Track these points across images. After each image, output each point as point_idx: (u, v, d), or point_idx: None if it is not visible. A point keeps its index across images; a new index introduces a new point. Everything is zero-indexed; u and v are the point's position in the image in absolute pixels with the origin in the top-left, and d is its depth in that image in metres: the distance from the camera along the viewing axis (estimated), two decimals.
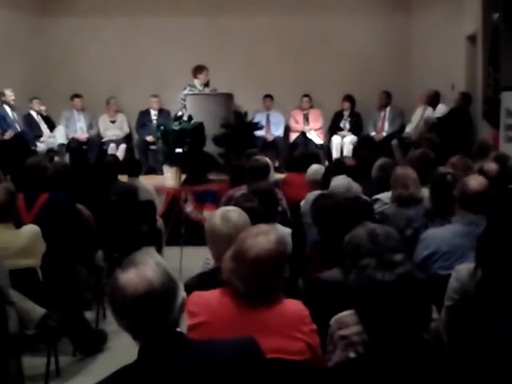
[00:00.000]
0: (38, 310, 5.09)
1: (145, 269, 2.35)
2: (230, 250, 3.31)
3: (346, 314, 3.15)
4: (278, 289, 3.27)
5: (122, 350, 5.41)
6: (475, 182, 4.79)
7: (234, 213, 4.03)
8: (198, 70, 12.07)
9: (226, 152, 10.82)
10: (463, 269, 3.82)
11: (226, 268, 3.27)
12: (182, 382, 2.32)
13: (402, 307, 2.28)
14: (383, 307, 2.28)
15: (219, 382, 2.35)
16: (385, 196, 6.27)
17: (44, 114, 12.97)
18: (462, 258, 4.42)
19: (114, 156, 9.74)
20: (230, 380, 2.37)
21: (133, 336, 2.39)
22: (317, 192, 6.29)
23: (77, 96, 13.39)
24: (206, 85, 11.98)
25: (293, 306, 3.28)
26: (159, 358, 2.33)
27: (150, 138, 12.88)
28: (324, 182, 6.77)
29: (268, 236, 3.24)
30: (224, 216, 3.96)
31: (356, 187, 6.30)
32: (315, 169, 7.53)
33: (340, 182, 6.31)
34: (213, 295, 3.27)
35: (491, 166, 6.41)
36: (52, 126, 13.01)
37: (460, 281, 3.77)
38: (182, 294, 2.44)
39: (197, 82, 12.03)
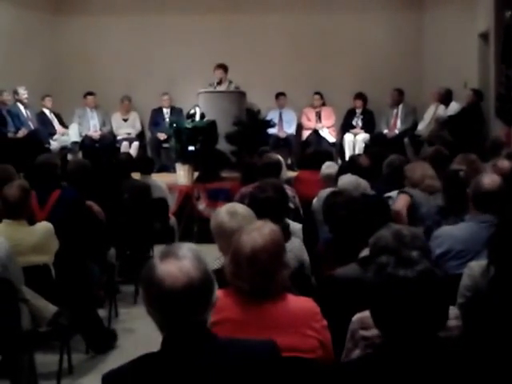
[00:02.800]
0: (51, 308, 5.10)
1: (185, 262, 2.32)
2: (229, 253, 3.32)
3: (369, 315, 3.14)
4: (281, 281, 3.25)
5: (134, 347, 5.42)
6: (489, 180, 4.74)
7: (239, 206, 4.06)
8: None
9: (238, 150, 10.83)
10: (475, 266, 3.80)
11: (227, 272, 3.27)
12: (204, 376, 2.31)
13: (422, 304, 2.27)
14: (403, 304, 2.26)
15: (240, 380, 2.35)
16: (396, 194, 6.25)
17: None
18: (475, 256, 4.40)
19: (128, 154, 9.77)
20: (251, 380, 2.37)
21: (159, 327, 2.37)
22: (329, 189, 6.28)
23: (90, 94, 13.44)
24: (219, 83, 11.97)
25: (303, 303, 3.28)
26: (183, 350, 2.32)
27: (162, 136, 12.93)
28: (338, 179, 6.76)
29: (261, 230, 3.26)
30: (230, 211, 3.98)
31: (364, 184, 6.28)
32: (330, 165, 7.52)
33: (347, 179, 6.30)
34: (220, 295, 3.27)
35: (504, 164, 6.38)
36: (62, 124, 13.06)
37: (472, 278, 3.76)
38: (217, 292, 2.42)
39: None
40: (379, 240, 3.59)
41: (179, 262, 2.31)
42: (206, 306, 2.35)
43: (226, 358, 2.35)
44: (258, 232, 3.24)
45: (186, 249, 2.37)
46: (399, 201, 5.94)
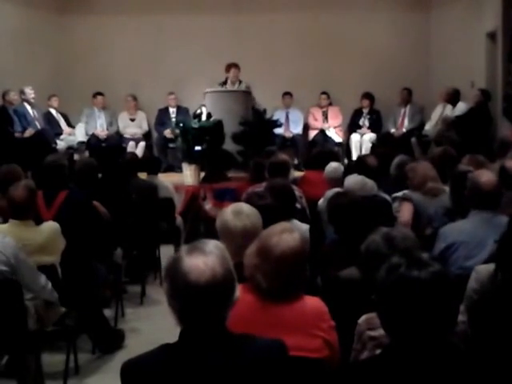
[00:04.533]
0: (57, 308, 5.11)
1: (211, 258, 2.37)
2: (254, 246, 3.33)
3: (376, 316, 3.13)
4: (300, 286, 3.30)
5: (140, 347, 5.42)
6: (485, 179, 4.80)
7: (244, 206, 4.08)
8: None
9: (244, 150, 10.82)
10: (483, 270, 3.80)
11: (249, 264, 3.28)
12: (217, 371, 2.35)
13: (434, 305, 2.26)
14: (416, 305, 2.25)
15: (252, 377, 2.39)
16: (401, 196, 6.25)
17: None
18: (479, 245, 4.51)
19: (134, 154, 9.77)
20: (262, 377, 2.41)
21: (179, 319, 2.40)
22: (335, 190, 6.27)
23: (99, 94, 13.46)
24: (225, 82, 11.98)
25: (312, 303, 3.30)
26: (200, 344, 2.37)
27: (168, 133, 12.89)
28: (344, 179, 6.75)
29: (293, 234, 3.30)
30: (235, 210, 3.99)
31: (371, 184, 6.26)
32: (334, 166, 7.50)
33: (353, 180, 6.28)
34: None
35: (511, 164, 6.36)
36: (68, 124, 13.08)
37: (480, 282, 3.76)
38: (237, 292, 2.46)
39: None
40: (370, 244, 3.60)
41: (205, 257, 2.37)
42: (226, 302, 2.40)
43: (239, 354, 2.40)
44: (291, 236, 3.29)
45: (213, 245, 2.44)
46: (404, 212, 5.96)
